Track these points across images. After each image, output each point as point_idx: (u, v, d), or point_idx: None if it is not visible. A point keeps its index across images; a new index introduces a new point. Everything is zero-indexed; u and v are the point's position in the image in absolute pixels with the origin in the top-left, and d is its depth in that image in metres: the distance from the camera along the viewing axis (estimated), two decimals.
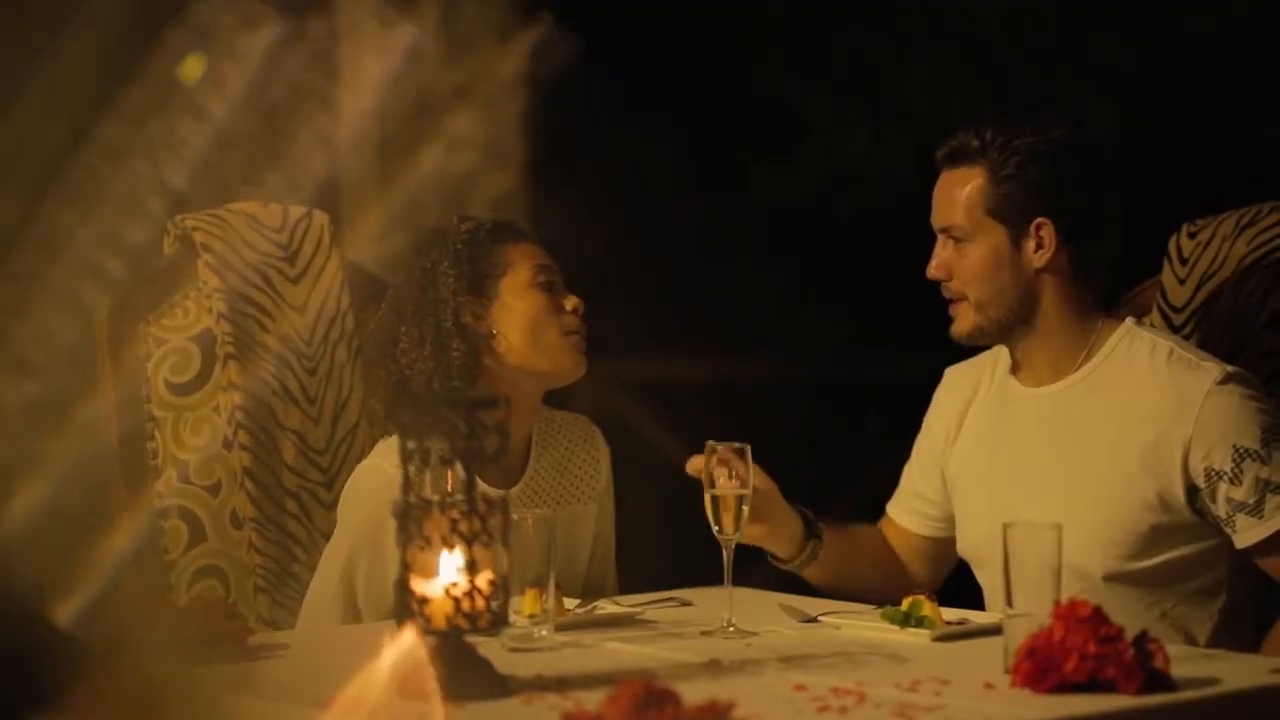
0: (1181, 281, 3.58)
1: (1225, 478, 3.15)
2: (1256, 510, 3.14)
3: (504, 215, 3.62)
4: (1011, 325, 3.30)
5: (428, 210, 4.44)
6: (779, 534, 3.37)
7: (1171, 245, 3.61)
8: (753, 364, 5.49)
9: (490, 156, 4.48)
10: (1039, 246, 3.26)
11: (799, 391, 5.54)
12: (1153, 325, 3.47)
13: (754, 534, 3.30)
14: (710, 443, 3.15)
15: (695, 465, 3.15)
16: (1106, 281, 3.38)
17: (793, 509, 3.37)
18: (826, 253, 5.41)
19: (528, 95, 4.52)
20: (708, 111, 5.18)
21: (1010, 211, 3.26)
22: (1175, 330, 3.52)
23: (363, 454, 3.52)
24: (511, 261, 3.43)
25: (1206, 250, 3.57)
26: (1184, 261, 3.58)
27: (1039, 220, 3.26)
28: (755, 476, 3.17)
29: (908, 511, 3.56)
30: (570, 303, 3.44)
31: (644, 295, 4.98)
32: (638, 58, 4.67)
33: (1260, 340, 3.47)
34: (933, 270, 3.33)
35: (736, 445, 3.14)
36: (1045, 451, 3.31)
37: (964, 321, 3.32)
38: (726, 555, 3.14)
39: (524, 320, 3.41)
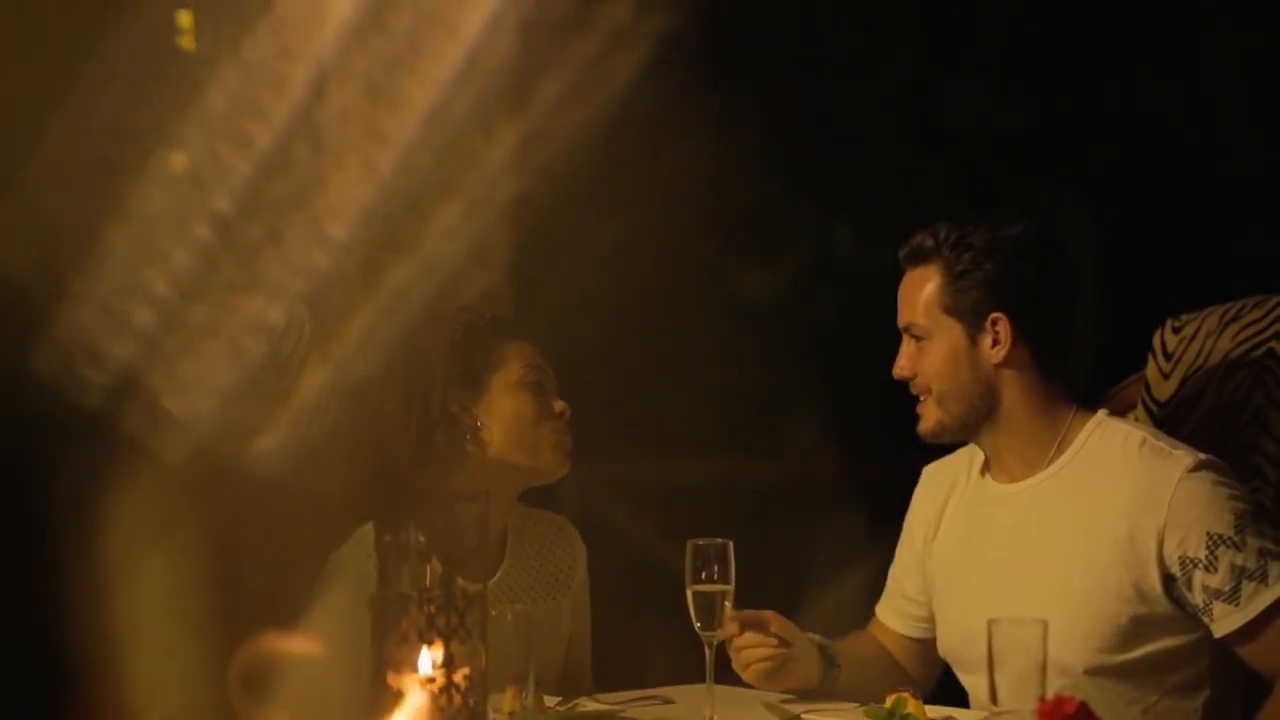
0: (1166, 376, 3.58)
1: (1200, 565, 3.14)
2: (1233, 598, 3.13)
3: (499, 308, 3.63)
4: (975, 421, 3.32)
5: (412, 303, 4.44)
6: (803, 676, 3.35)
7: (1155, 340, 3.62)
8: (735, 462, 5.48)
9: (475, 251, 4.48)
10: (995, 342, 3.28)
11: (782, 489, 5.52)
12: (1137, 419, 3.46)
13: (782, 683, 3.28)
14: (692, 541, 3.14)
15: (724, 632, 3.17)
16: (1090, 376, 3.37)
17: (809, 640, 3.36)
18: (808, 352, 5.41)
19: (514, 189, 4.52)
20: (690, 212, 5.19)
21: (965, 308, 3.29)
22: (1159, 425, 3.51)
23: None
24: (505, 358, 3.44)
25: (1191, 345, 3.57)
26: (1168, 356, 3.58)
27: (994, 316, 3.28)
28: (781, 628, 3.19)
29: (894, 613, 3.55)
30: (558, 406, 3.44)
31: (627, 394, 4.96)
32: (621, 155, 4.67)
33: (1244, 435, 3.46)
34: (897, 369, 3.36)
35: (718, 542, 3.13)
36: (1021, 548, 3.30)
37: (928, 419, 3.34)
38: (709, 653, 3.13)
39: (510, 418, 3.41)
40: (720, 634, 3.14)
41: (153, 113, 3.89)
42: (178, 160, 4.00)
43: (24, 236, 3.73)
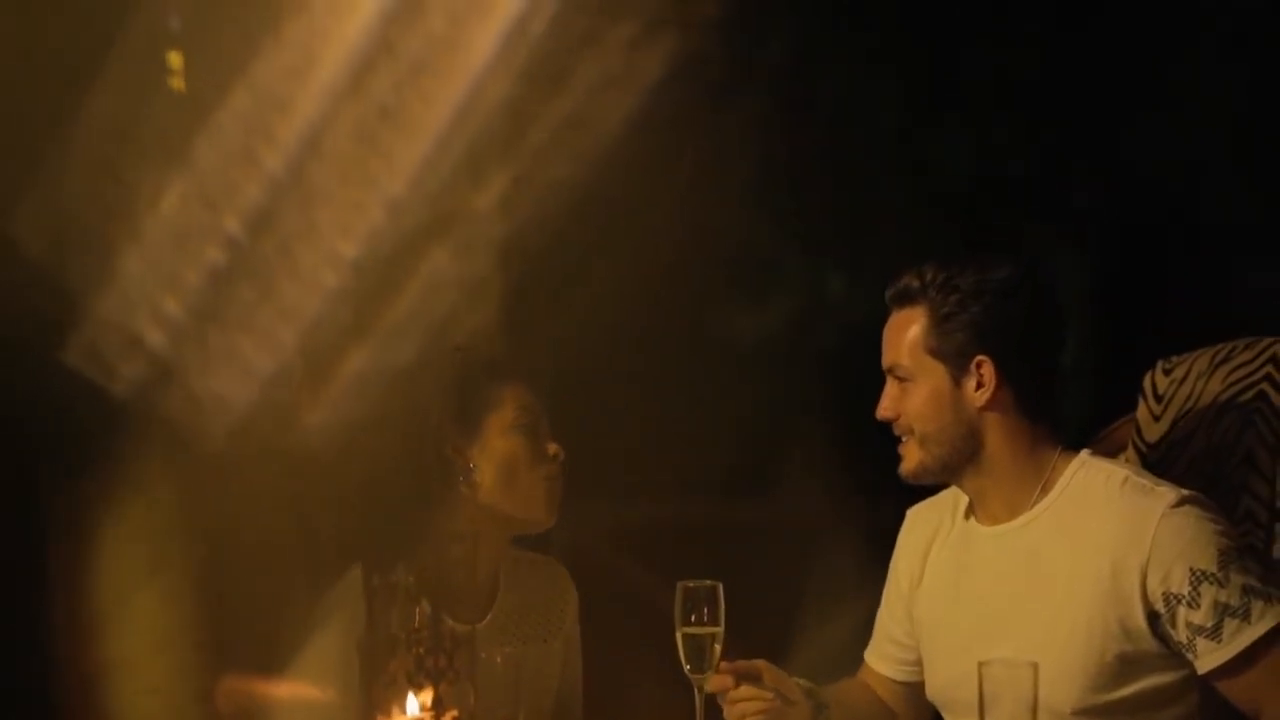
0: (1156, 418, 3.58)
1: (1184, 601, 3.13)
2: (1215, 634, 3.12)
3: (492, 350, 3.63)
4: (957, 464, 3.31)
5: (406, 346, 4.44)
6: None
7: (1146, 382, 3.62)
8: (725, 503, 5.48)
9: (467, 293, 4.48)
10: (979, 384, 3.27)
11: (771, 531, 5.52)
12: (1128, 460, 3.46)
13: None
14: (681, 583, 3.13)
15: (717, 684, 3.15)
16: (1081, 418, 3.37)
17: (798, 686, 3.34)
18: (799, 393, 5.41)
19: (505, 231, 4.53)
20: (680, 253, 5.20)
21: (950, 350, 3.28)
22: (1150, 467, 3.51)
23: None
24: (499, 400, 3.44)
25: (1181, 387, 3.57)
26: (1159, 398, 3.58)
27: (979, 358, 3.27)
28: (773, 679, 3.18)
29: (882, 657, 3.54)
30: (551, 448, 3.44)
31: (617, 434, 4.96)
32: (612, 196, 4.68)
33: (1235, 477, 3.46)
34: (880, 410, 3.35)
35: (708, 584, 3.12)
36: (1007, 590, 3.29)
37: (910, 460, 3.32)
38: (698, 697, 3.12)
39: (503, 461, 3.41)
40: (712, 684, 3.13)
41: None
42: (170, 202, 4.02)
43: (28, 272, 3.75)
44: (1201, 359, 3.58)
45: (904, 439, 3.33)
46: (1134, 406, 3.62)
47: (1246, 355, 3.53)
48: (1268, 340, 3.54)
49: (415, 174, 4.08)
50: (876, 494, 4.15)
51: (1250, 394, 3.49)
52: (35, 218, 3.81)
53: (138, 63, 3.93)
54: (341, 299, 4.11)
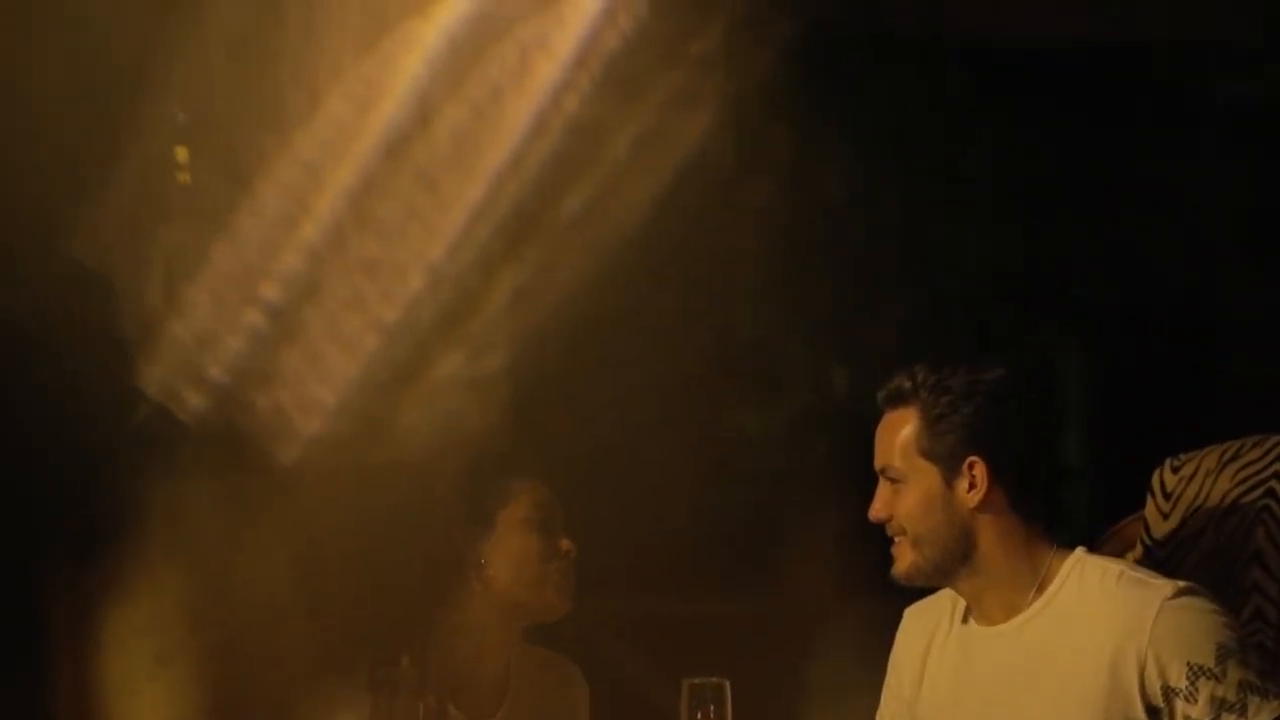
0: (1165, 516, 3.57)
1: (1181, 695, 3.12)
2: None
3: (504, 446, 3.63)
4: (950, 565, 3.30)
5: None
6: None
7: (1155, 480, 3.61)
8: (731, 599, 5.47)
9: (478, 389, 4.49)
10: (971, 486, 3.27)
11: (775, 628, 5.50)
12: (1136, 560, 3.45)
13: None
14: (687, 680, 3.12)
15: None
16: (1090, 516, 3.37)
17: None
18: (802, 489, 5.41)
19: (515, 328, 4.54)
20: (687, 349, 5.21)
21: (942, 452, 3.27)
22: (1158, 564, 3.50)
23: None
24: (513, 495, 3.44)
25: (1189, 485, 3.57)
26: (1167, 496, 3.58)
27: (971, 460, 3.27)
28: None
29: None
30: (564, 544, 3.44)
31: (625, 529, 4.96)
32: (620, 294, 4.69)
33: (1245, 577, 3.45)
34: (873, 512, 3.34)
35: (714, 681, 3.11)
36: (1008, 690, 3.28)
37: (903, 561, 3.32)
38: None
39: (515, 557, 3.41)
40: None
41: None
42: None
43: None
44: (1210, 457, 3.58)
45: (897, 540, 3.32)
46: (1142, 504, 3.62)
47: (1255, 453, 3.53)
48: (1276, 438, 3.54)
49: (426, 269, 4.09)
50: (880, 589, 4.15)
51: (1259, 492, 3.48)
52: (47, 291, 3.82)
53: (151, 159, 3.95)
54: (356, 391, 4.12)
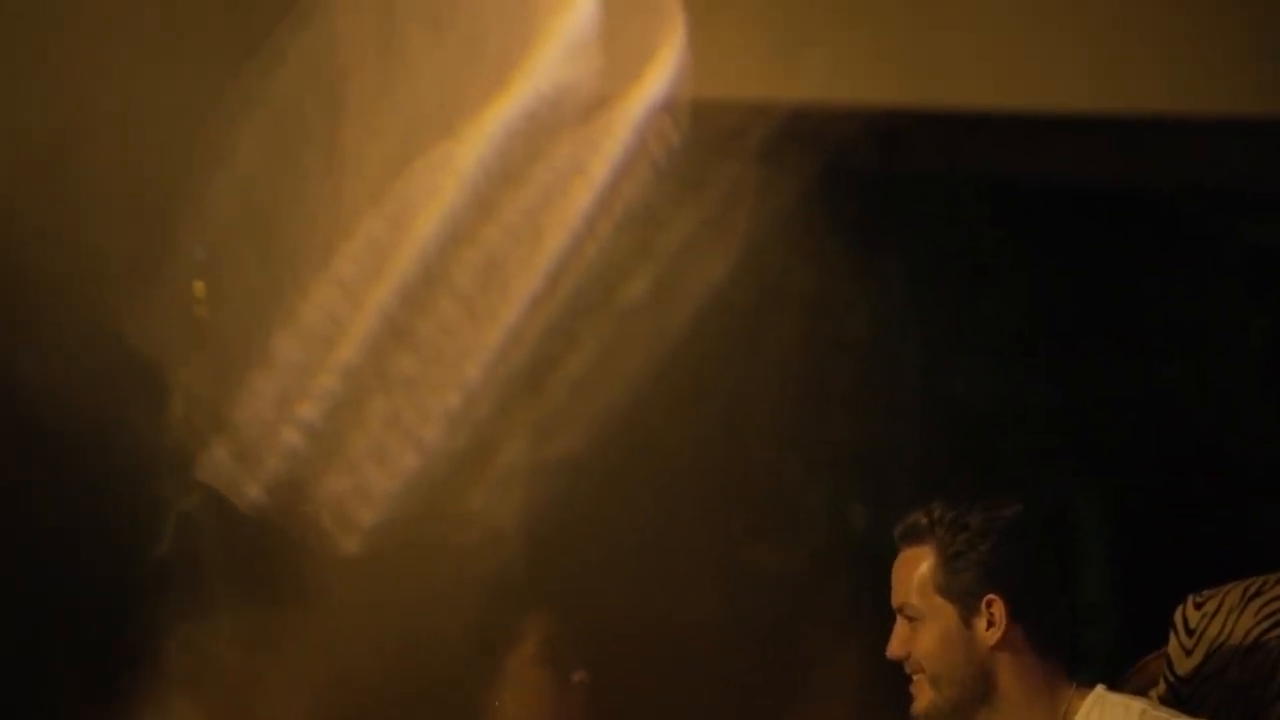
0: (1188, 652, 3.55)
1: None
2: None
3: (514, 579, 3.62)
4: (969, 704, 3.28)
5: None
6: None
7: (1177, 616, 3.59)
8: None
9: (488, 526, 4.48)
10: (990, 624, 3.26)
11: None
12: (1159, 697, 3.43)
13: None
14: None
15: None
16: (1112, 653, 3.35)
17: None
18: (825, 627, 5.38)
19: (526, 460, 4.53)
20: (702, 484, 5.20)
21: (959, 590, 3.27)
22: (1182, 702, 3.48)
23: None
24: (522, 633, 3.42)
25: (1213, 621, 3.55)
26: (1190, 632, 3.56)
27: (989, 598, 3.26)
28: None
29: None
30: (577, 676, 3.42)
31: (643, 661, 4.93)
32: (633, 426, 4.69)
33: (1271, 713, 3.43)
34: (891, 650, 3.34)
35: None
36: None
37: (921, 699, 3.31)
38: None
39: (528, 696, 3.41)
40: None
41: None
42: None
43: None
44: (1233, 593, 3.56)
45: (915, 677, 3.31)
46: (1165, 640, 3.59)
47: (1278, 590, 3.51)
48: None
49: (440, 399, 4.09)
50: None
51: None
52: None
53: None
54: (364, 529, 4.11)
